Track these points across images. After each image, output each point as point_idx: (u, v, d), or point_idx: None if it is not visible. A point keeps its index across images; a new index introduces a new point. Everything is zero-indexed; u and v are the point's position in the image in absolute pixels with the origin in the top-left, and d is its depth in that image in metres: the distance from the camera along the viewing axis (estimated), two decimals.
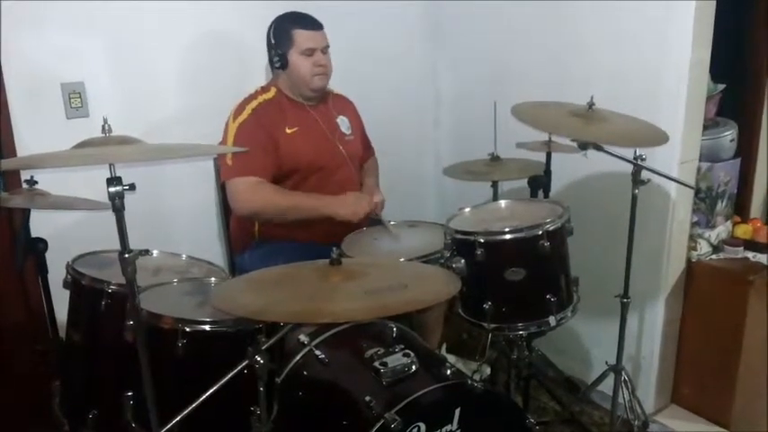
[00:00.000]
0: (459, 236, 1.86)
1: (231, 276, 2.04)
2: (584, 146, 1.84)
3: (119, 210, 1.30)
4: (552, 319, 1.85)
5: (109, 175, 1.29)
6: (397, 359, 1.59)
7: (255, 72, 2.54)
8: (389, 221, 2.25)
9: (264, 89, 2.30)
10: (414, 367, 1.57)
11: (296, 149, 2.23)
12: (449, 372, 1.59)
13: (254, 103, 2.24)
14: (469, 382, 1.56)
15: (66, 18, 2.18)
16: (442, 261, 1.87)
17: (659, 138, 1.90)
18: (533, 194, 2.22)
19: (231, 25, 2.51)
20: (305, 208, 2.16)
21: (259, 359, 1.37)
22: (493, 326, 1.85)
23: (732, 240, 2.37)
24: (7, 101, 2.15)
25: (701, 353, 2.37)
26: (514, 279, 1.82)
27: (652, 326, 2.37)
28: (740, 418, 2.31)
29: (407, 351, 1.62)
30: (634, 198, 1.91)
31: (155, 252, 1.92)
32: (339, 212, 2.13)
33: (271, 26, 2.25)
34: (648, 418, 2.27)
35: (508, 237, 1.82)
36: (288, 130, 2.24)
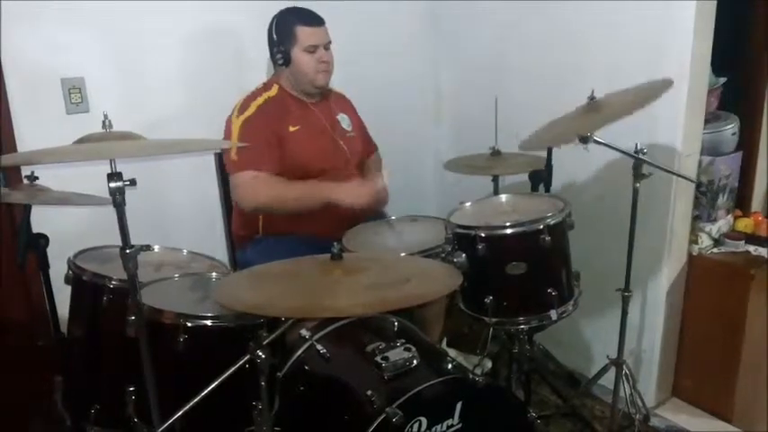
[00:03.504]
0: (460, 230, 1.86)
1: (232, 271, 2.05)
2: (585, 139, 1.83)
3: (120, 205, 1.30)
4: (553, 313, 1.85)
5: (109, 171, 1.29)
6: (398, 353, 1.59)
7: (255, 67, 2.54)
8: (391, 217, 2.25)
9: (267, 86, 2.29)
10: (415, 362, 1.57)
11: (299, 148, 2.22)
12: (450, 366, 1.59)
13: (259, 100, 2.23)
14: (471, 376, 1.56)
15: (66, 13, 2.18)
16: (443, 255, 1.86)
17: (663, 86, 1.88)
18: (534, 189, 2.22)
19: (231, 20, 2.50)
20: (309, 196, 2.14)
21: (261, 354, 1.37)
22: (494, 320, 1.85)
23: (733, 234, 2.37)
24: (7, 96, 2.15)
25: (703, 346, 2.37)
26: (515, 273, 1.81)
27: (653, 319, 2.37)
28: (742, 411, 2.31)
29: (409, 345, 1.62)
30: (635, 192, 1.91)
31: (156, 247, 1.93)
32: (342, 198, 2.12)
33: (272, 22, 2.24)
34: (650, 412, 2.28)
35: (509, 231, 1.82)
36: (291, 129, 2.23)
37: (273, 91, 2.27)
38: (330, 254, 1.47)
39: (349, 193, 2.13)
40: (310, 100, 2.31)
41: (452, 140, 3.10)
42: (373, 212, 2.29)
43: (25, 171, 1.96)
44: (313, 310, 1.39)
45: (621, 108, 1.87)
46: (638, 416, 2.14)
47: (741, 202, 2.48)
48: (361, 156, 2.47)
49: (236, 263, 2.38)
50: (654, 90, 1.88)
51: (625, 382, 2.11)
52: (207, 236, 2.54)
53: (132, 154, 1.57)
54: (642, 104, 1.84)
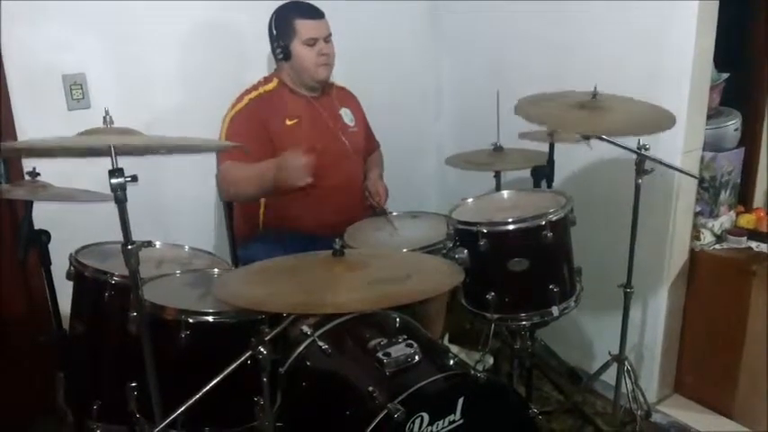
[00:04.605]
0: (461, 226, 1.85)
1: (234, 267, 2.05)
2: (587, 136, 1.83)
3: (121, 201, 1.30)
4: (555, 310, 1.85)
5: (111, 167, 1.29)
6: (399, 349, 1.59)
7: (256, 63, 2.54)
8: (391, 212, 2.25)
9: (267, 80, 2.30)
10: (417, 357, 1.57)
11: (296, 141, 2.21)
12: (452, 362, 1.59)
13: (253, 94, 2.24)
14: (472, 372, 1.56)
15: (66, 9, 2.18)
16: (445, 251, 1.86)
17: (666, 121, 1.87)
18: (536, 185, 2.21)
19: (233, 17, 2.50)
20: (264, 173, 2.03)
21: (262, 350, 1.37)
22: (496, 316, 1.85)
23: (735, 230, 2.37)
24: (8, 92, 2.15)
25: (704, 342, 2.37)
26: (517, 269, 1.81)
27: (655, 315, 2.37)
28: (743, 408, 2.31)
29: (410, 341, 1.61)
30: (637, 188, 1.91)
31: (157, 243, 1.93)
32: (278, 173, 1.98)
33: (272, 17, 2.24)
34: (651, 408, 2.28)
35: (511, 227, 1.82)
36: (288, 122, 2.23)
37: (271, 85, 2.27)
38: (332, 250, 1.47)
39: (278, 166, 1.99)
40: (312, 94, 2.31)
41: (454, 136, 3.09)
42: (375, 210, 2.30)
43: (26, 167, 1.95)
44: (315, 306, 1.39)
45: (628, 127, 1.86)
46: (639, 412, 2.14)
47: (743, 198, 2.47)
48: (364, 151, 2.47)
49: (238, 259, 2.38)
50: (658, 122, 1.86)
51: (627, 379, 2.11)
52: (208, 232, 2.55)
53: (133, 147, 1.57)
54: (645, 132, 1.85)
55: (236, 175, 2.14)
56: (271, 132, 2.20)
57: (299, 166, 1.94)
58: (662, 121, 1.88)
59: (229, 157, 2.15)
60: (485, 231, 1.81)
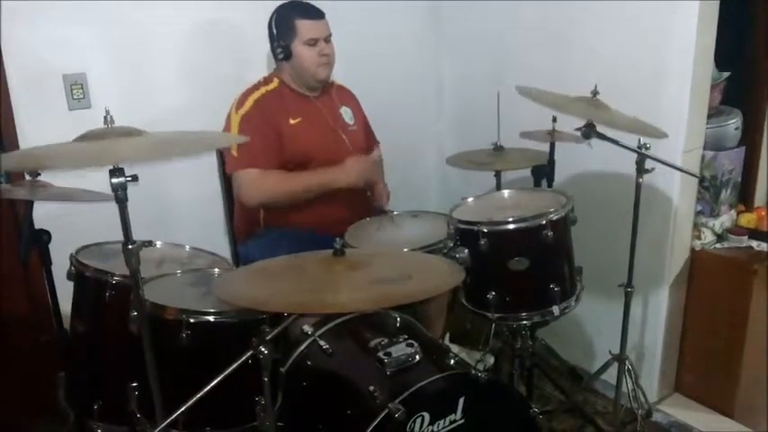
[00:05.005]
0: (462, 226, 1.85)
1: (235, 267, 2.05)
2: (587, 135, 1.83)
3: (122, 201, 1.30)
4: (556, 309, 1.84)
5: (111, 167, 1.29)
6: (400, 349, 1.58)
7: (256, 62, 2.53)
8: (393, 212, 2.25)
9: (267, 80, 2.29)
10: (417, 357, 1.57)
11: (299, 140, 2.22)
12: (452, 362, 1.59)
13: (256, 95, 2.23)
14: (473, 371, 1.56)
15: (67, 9, 2.18)
16: (446, 251, 1.86)
17: (659, 132, 1.91)
18: (537, 184, 2.22)
19: (233, 15, 2.50)
20: (312, 187, 2.17)
21: (263, 349, 1.37)
22: (496, 315, 1.85)
23: (736, 229, 2.36)
24: (9, 92, 2.15)
25: (705, 342, 2.37)
26: (518, 269, 1.81)
27: (656, 315, 2.37)
28: (744, 407, 2.31)
29: (411, 341, 1.61)
30: (638, 187, 1.90)
31: (158, 243, 1.92)
32: (347, 180, 2.16)
33: (272, 17, 2.23)
34: (652, 407, 2.28)
35: (512, 226, 1.82)
36: (291, 121, 2.23)
37: (272, 85, 2.27)
38: (333, 249, 1.47)
39: (350, 175, 2.16)
40: (312, 93, 2.31)
41: (454, 136, 3.09)
42: (376, 209, 2.30)
43: None
44: (315, 306, 1.39)
45: (625, 124, 1.88)
46: (640, 411, 2.14)
47: (744, 197, 2.47)
48: (364, 149, 2.47)
49: (238, 257, 2.38)
50: (648, 131, 1.89)
51: (627, 378, 2.11)
52: (209, 231, 2.54)
53: (137, 156, 1.56)
54: (641, 133, 1.87)
55: (271, 188, 2.16)
56: (277, 132, 2.20)
57: (364, 168, 2.20)
58: (655, 132, 1.91)
59: (248, 164, 2.15)
60: (485, 231, 1.81)
